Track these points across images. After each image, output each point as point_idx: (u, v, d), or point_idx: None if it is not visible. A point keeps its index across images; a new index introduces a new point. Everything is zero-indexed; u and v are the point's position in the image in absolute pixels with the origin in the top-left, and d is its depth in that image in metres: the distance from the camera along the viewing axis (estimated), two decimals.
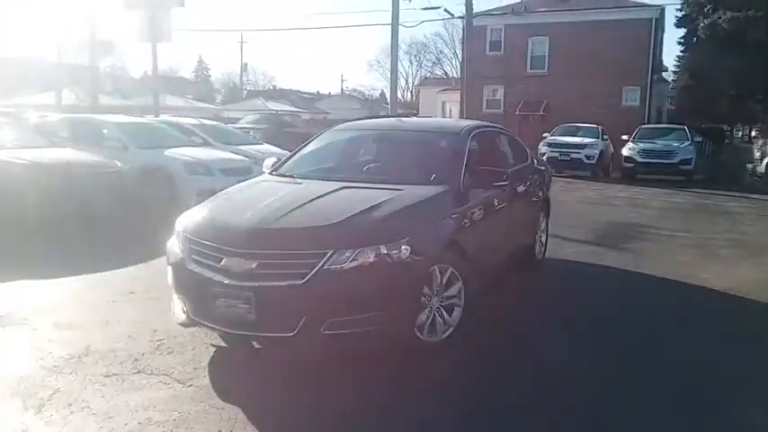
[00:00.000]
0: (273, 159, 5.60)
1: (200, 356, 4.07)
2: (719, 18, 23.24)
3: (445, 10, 26.40)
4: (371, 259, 3.61)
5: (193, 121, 13.88)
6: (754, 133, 35.25)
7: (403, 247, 3.70)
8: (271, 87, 70.25)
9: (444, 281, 4.08)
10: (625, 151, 18.88)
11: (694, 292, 5.94)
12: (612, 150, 21.01)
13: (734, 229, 9.78)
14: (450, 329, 4.14)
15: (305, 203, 4.11)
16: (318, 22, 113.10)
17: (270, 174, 5.24)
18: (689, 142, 18.57)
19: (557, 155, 19.09)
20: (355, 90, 77.27)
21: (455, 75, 65.77)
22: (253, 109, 36.26)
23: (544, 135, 20.69)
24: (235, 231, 3.83)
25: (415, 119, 7.35)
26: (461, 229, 4.36)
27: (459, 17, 26.89)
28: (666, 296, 5.92)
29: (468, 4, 22.25)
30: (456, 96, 32.98)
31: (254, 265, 3.63)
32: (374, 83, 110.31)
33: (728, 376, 3.98)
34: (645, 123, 25.58)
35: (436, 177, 4.63)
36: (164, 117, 14.34)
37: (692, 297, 5.84)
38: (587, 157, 19.19)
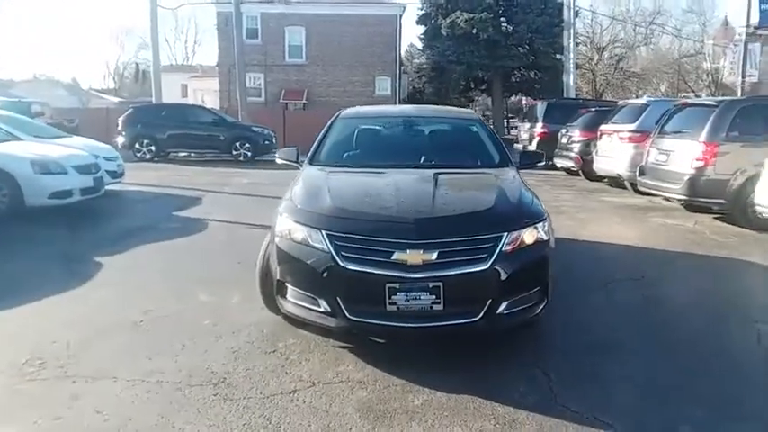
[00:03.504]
0: (292, 149, 5.28)
1: (322, 358, 3.87)
2: (458, 18, 26.52)
3: None
4: (534, 238, 3.87)
5: None
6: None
7: (547, 226, 4.03)
8: None
9: None
10: None
11: (612, 246, 7.25)
12: None
13: (558, 198, 11.68)
14: None
15: (434, 190, 4.13)
16: None
17: (311, 165, 4.96)
18: None
19: None
20: (44, 75, 67.98)
21: (170, 62, 62.50)
22: None
23: None
24: (402, 223, 3.72)
25: (416, 106, 7.40)
26: None
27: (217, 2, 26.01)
28: (605, 250, 7.11)
29: None
30: (209, 84, 31.99)
31: (434, 255, 3.61)
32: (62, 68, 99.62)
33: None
34: None
35: (500, 160, 4.98)
36: None
37: (622, 249, 7.12)
38: None
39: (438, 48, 28.27)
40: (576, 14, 26.58)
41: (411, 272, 3.58)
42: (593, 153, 12.79)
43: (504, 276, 3.69)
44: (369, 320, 3.69)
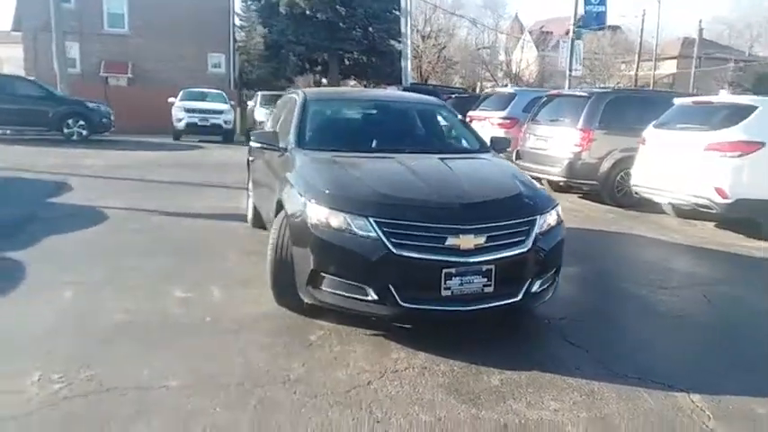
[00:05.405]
0: (270, 132, 5.02)
1: (366, 348, 3.79)
2: None
3: None
4: (555, 221, 4.15)
5: None
6: None
7: (560, 209, 4.32)
8: None
9: None
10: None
11: None
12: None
13: None
14: None
15: (458, 176, 4.22)
16: None
17: (301, 149, 4.71)
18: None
19: (196, 120, 19.05)
20: None
21: None
22: None
23: (170, 100, 20.09)
24: (449, 208, 3.76)
25: (372, 90, 7.09)
26: None
27: None
28: None
29: None
30: (12, 51, 28.09)
31: (483, 239, 3.72)
32: None
33: None
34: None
35: (480, 145, 5.17)
36: None
37: None
38: (225, 122, 19.65)
39: (276, 26, 27.65)
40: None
41: (466, 256, 3.65)
42: None
43: (540, 257, 3.92)
44: (423, 306, 3.69)
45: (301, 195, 3.95)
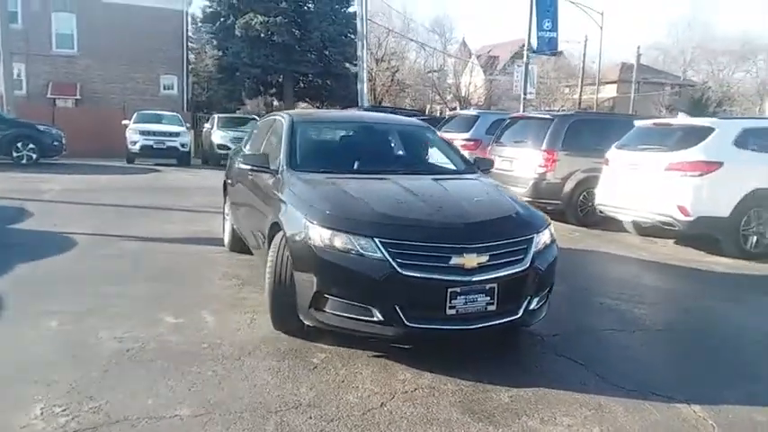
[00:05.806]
0: (262, 155, 5.00)
1: (372, 369, 3.81)
2: (252, 20, 26.13)
3: None
4: (549, 239, 4.26)
5: None
6: None
7: (552, 227, 4.44)
8: None
9: None
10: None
11: None
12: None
13: None
14: None
15: (455, 196, 4.30)
16: None
17: (294, 171, 4.68)
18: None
19: (151, 143, 18.68)
20: None
21: None
22: None
23: (124, 123, 19.70)
24: (452, 228, 3.82)
25: (357, 112, 7.07)
26: None
27: None
28: None
29: None
30: None
31: (486, 258, 3.79)
32: None
33: None
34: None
35: (466, 166, 5.27)
36: None
37: None
38: (182, 144, 19.34)
39: (231, 48, 27.49)
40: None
41: (470, 275, 3.71)
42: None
43: (537, 275, 4.01)
44: (429, 326, 3.72)
45: (302, 217, 3.94)
